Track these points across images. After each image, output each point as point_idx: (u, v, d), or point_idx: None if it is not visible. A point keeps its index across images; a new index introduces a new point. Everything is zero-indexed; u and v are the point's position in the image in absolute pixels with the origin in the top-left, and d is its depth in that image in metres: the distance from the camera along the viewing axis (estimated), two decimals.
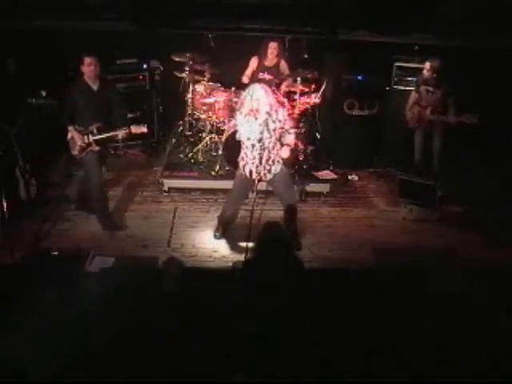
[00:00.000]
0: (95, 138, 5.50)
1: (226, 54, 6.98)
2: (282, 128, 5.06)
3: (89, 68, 5.39)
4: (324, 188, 6.55)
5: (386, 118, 7.20)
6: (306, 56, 6.82)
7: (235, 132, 5.44)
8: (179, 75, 6.98)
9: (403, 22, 6.21)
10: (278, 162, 5.19)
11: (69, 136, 5.54)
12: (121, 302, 3.83)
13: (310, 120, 6.92)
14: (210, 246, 5.57)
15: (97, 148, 5.55)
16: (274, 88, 6.16)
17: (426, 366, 3.62)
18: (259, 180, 5.16)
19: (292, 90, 6.65)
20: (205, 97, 6.75)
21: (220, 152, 6.53)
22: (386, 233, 5.93)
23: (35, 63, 6.44)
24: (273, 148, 5.09)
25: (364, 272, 4.99)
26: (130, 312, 3.66)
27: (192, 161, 6.77)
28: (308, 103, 6.68)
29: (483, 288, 4.47)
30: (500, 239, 5.66)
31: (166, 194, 6.49)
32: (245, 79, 6.80)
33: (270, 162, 5.14)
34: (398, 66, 7.12)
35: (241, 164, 5.26)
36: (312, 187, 6.52)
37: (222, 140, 6.40)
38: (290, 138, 5.14)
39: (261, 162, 5.09)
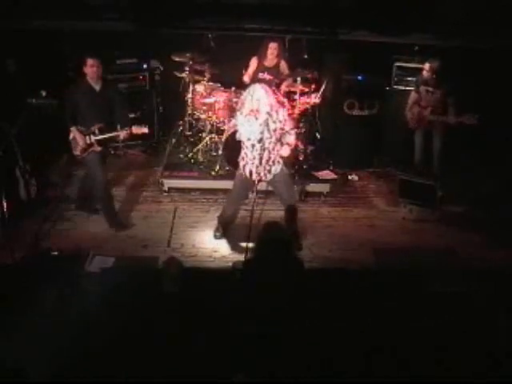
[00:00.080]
0: (97, 138, 5.51)
1: (226, 54, 6.98)
2: (282, 129, 5.06)
3: (91, 69, 5.39)
4: (324, 188, 6.55)
5: (386, 118, 7.20)
6: (305, 56, 6.82)
7: (235, 132, 5.43)
8: (179, 75, 6.98)
9: (403, 22, 6.21)
10: (279, 162, 5.19)
11: (71, 136, 5.54)
12: (121, 302, 3.83)
13: (310, 120, 6.91)
14: (210, 246, 5.57)
15: (99, 148, 5.55)
16: (274, 88, 6.16)
17: (426, 366, 3.62)
18: (259, 180, 5.17)
19: (292, 89, 6.65)
20: (205, 97, 6.75)
21: (220, 152, 6.53)
22: (386, 233, 5.93)
23: (35, 63, 6.44)
24: (273, 149, 5.09)
25: (364, 272, 4.99)
26: (129, 312, 3.67)
27: (192, 161, 6.77)
28: (308, 103, 6.68)
29: (483, 288, 4.48)
30: (500, 239, 5.66)
31: (165, 194, 6.48)
32: (246, 79, 6.80)
33: (270, 163, 5.14)
34: (398, 66, 7.11)
35: (241, 164, 5.26)
36: (312, 187, 6.52)
37: (222, 140, 6.39)
38: (291, 139, 5.14)
39: (261, 163, 5.09)
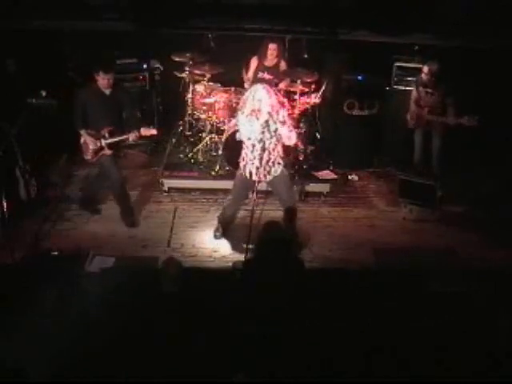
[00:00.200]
0: (107, 141, 5.50)
1: (226, 54, 6.97)
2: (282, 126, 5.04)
3: (104, 81, 5.35)
4: (324, 188, 6.55)
5: (385, 117, 7.19)
6: (305, 56, 6.83)
7: (235, 132, 5.44)
8: (179, 75, 6.98)
9: (403, 22, 6.20)
10: (279, 163, 5.18)
11: (81, 140, 5.54)
12: (121, 302, 3.83)
13: (310, 120, 6.91)
14: (210, 246, 5.57)
15: (109, 152, 5.54)
16: (274, 88, 6.16)
17: (426, 366, 3.63)
18: (259, 180, 5.16)
19: (292, 89, 6.64)
20: (205, 97, 6.74)
21: (220, 152, 6.53)
22: (386, 233, 5.93)
23: (35, 63, 6.43)
24: (273, 149, 5.08)
25: (364, 272, 5.00)
26: (129, 312, 3.67)
27: (192, 161, 6.77)
28: (308, 103, 6.67)
29: (483, 288, 4.48)
30: (500, 239, 5.66)
31: (165, 193, 6.48)
32: (247, 79, 6.80)
33: (270, 164, 5.13)
34: (398, 66, 7.11)
35: (241, 164, 5.26)
36: (312, 187, 6.52)
37: (222, 140, 6.39)
38: (283, 131, 5.09)
39: (261, 163, 5.08)
